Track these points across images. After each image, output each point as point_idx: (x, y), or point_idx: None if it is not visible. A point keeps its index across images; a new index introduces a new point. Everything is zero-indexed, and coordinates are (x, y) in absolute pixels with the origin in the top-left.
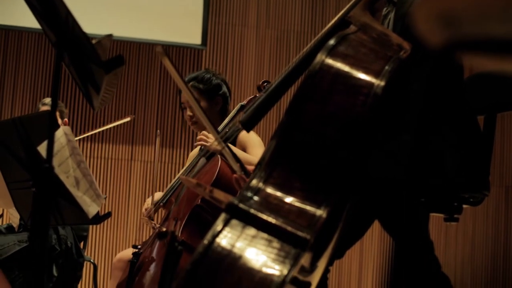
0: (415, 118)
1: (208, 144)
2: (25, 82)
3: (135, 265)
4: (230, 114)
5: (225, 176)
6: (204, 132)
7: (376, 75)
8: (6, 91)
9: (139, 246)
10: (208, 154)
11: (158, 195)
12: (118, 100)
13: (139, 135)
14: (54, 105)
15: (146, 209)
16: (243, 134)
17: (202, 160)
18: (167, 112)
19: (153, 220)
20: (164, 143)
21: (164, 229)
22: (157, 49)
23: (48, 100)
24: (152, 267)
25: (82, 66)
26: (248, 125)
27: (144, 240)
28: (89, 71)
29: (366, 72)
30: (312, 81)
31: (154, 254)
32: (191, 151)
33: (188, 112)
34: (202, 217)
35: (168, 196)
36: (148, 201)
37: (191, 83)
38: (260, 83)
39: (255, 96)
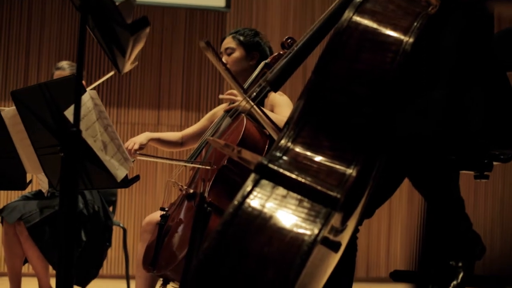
0: (447, 74)
1: (236, 100)
2: (50, 48)
3: (163, 228)
4: (254, 73)
5: (251, 136)
6: (232, 91)
7: (404, 31)
8: (31, 57)
9: (166, 208)
10: (234, 114)
11: (145, 135)
12: (143, 65)
13: (165, 99)
14: (79, 69)
15: (127, 147)
16: (273, 94)
17: (227, 120)
18: (193, 76)
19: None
20: (190, 106)
21: (192, 191)
22: (201, 44)
23: (62, 63)
24: (181, 229)
25: (107, 29)
26: (275, 85)
27: (172, 201)
28: (114, 34)
29: (395, 29)
30: (340, 38)
31: (182, 216)
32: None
33: (224, 59)
34: (229, 177)
35: (195, 157)
36: (133, 139)
37: (232, 34)
38: (284, 39)
39: (279, 53)
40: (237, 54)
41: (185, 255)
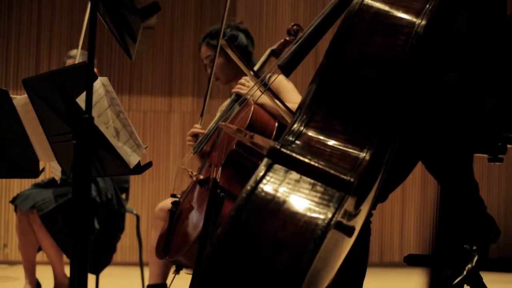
0: (460, 56)
1: (243, 91)
2: (61, 36)
3: (175, 214)
4: (260, 60)
5: (259, 120)
6: (241, 80)
7: (417, 14)
8: (42, 46)
9: (177, 195)
10: (242, 100)
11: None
12: (154, 52)
13: (176, 86)
14: (91, 56)
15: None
16: (276, 80)
17: (235, 107)
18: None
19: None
20: (201, 93)
21: (202, 177)
22: (222, 42)
23: (74, 52)
24: (192, 214)
25: (118, 15)
26: (287, 69)
27: (184, 189)
28: (125, 20)
29: (407, 11)
30: (352, 21)
31: (193, 202)
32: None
33: (209, 70)
34: (239, 162)
35: (203, 144)
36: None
37: (205, 41)
38: (290, 26)
39: (285, 39)
40: (218, 61)
41: (196, 238)
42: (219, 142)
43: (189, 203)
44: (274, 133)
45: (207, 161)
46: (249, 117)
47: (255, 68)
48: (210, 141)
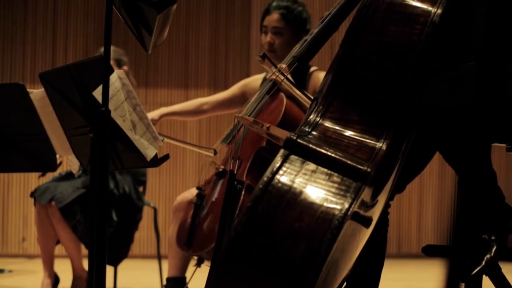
0: (480, 44)
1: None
2: (78, 29)
3: (199, 207)
4: (293, 50)
5: (291, 115)
6: None
7: (432, 2)
8: (59, 37)
9: (202, 188)
10: (272, 91)
11: (158, 111)
12: (170, 45)
13: (192, 79)
14: (107, 49)
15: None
16: (317, 75)
17: (265, 98)
18: (219, 55)
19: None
20: (217, 85)
21: (222, 167)
22: (257, 58)
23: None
24: (217, 210)
25: (134, 8)
26: (303, 60)
27: (207, 179)
28: (141, 12)
29: (422, 0)
30: (367, 11)
31: (217, 195)
32: None
33: (268, 39)
34: (267, 159)
35: (232, 136)
36: None
37: (280, 10)
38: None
39: None
40: (286, 36)
41: None
42: (246, 135)
43: (214, 197)
44: None
45: (234, 152)
46: (282, 112)
47: (288, 57)
48: (239, 133)
